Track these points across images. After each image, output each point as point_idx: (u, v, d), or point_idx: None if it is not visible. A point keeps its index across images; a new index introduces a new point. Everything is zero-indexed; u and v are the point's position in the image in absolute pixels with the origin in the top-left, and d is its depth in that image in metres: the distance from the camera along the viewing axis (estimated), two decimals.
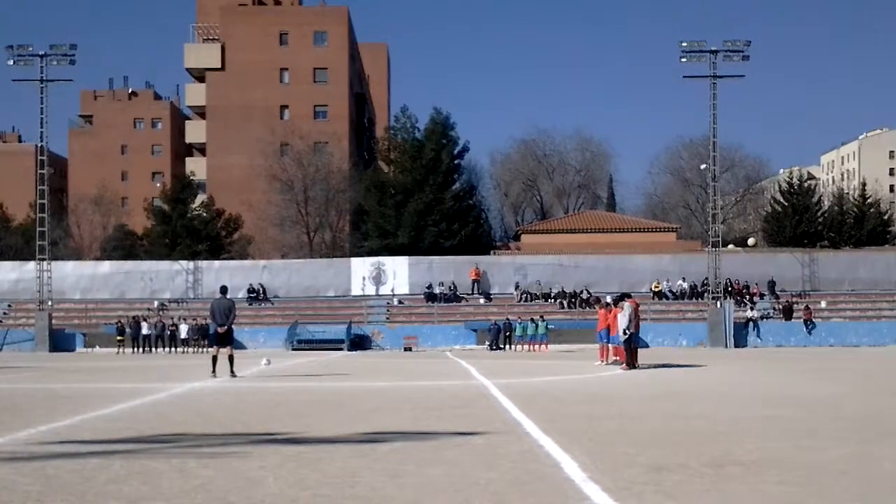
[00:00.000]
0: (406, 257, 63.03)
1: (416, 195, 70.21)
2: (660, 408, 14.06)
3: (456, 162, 75.12)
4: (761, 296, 59.46)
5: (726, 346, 53.19)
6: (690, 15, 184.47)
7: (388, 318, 59.37)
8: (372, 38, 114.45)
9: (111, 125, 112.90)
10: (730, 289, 58.33)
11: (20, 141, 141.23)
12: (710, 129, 57.77)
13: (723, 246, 60.80)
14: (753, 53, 55.95)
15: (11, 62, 55.81)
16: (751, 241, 78.78)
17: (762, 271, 60.81)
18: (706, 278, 57.88)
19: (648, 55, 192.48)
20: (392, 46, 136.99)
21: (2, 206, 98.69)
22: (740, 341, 54.68)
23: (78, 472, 7.71)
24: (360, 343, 55.62)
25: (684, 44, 55.54)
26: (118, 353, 51.91)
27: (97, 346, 55.48)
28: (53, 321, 56.59)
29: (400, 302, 60.92)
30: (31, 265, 59.78)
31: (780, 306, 58.05)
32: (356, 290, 61.53)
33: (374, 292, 61.46)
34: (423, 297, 60.76)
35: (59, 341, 55.71)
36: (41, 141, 58.40)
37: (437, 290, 60.50)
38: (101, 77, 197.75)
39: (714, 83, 56.07)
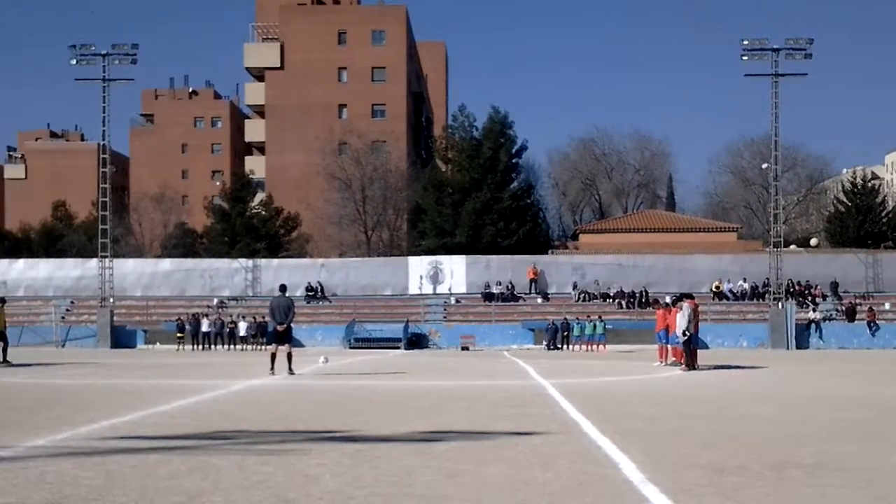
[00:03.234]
0: (463, 256, 63.03)
1: (473, 194, 70.22)
2: (719, 409, 13.93)
3: (514, 161, 75.04)
4: (824, 297, 58.71)
5: (788, 348, 52.57)
6: (752, 13, 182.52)
7: (445, 317, 59.38)
8: (430, 36, 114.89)
9: (172, 124, 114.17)
10: (792, 290, 57.65)
11: (83, 140, 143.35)
12: (771, 127, 57.16)
13: (785, 246, 60.03)
14: (816, 50, 55.33)
15: (74, 62, 56.53)
16: (813, 241, 77.82)
17: (825, 272, 60.06)
18: (767, 279, 57.27)
19: (709, 53, 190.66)
20: (450, 45, 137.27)
21: (65, 205, 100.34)
22: (802, 343, 54.01)
23: (139, 468, 7.78)
24: (417, 342, 55.68)
25: (746, 42, 54.95)
26: (178, 349, 52.42)
27: (158, 343, 56.05)
28: (115, 318, 57.24)
29: (457, 301, 60.91)
30: (94, 262, 60.57)
31: (843, 307, 57.26)
32: (413, 289, 61.63)
33: (431, 291, 61.51)
34: (480, 296, 60.70)
35: (121, 338, 56.38)
36: (103, 140, 59.14)
37: (494, 290, 60.41)
38: (162, 76, 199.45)
39: (776, 81, 55.41)
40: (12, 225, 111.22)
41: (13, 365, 28.65)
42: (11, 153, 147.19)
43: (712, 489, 6.93)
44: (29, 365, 29.08)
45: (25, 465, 7.90)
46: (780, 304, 55.00)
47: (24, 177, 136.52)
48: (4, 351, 30.14)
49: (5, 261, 67.65)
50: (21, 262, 66.32)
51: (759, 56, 55.16)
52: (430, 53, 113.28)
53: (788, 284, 57.30)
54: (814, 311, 56.38)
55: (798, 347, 53.08)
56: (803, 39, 54.86)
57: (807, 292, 58.47)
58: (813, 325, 55.21)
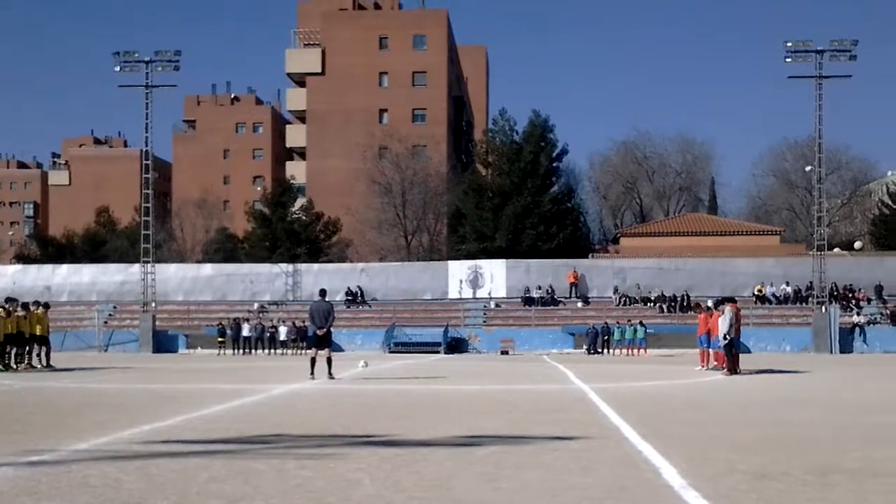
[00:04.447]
0: (503, 260, 62.93)
1: (513, 198, 70.19)
2: (762, 414, 13.82)
3: (554, 164, 74.93)
4: (868, 300, 58.07)
5: (831, 352, 52.08)
6: (796, 14, 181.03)
7: (485, 322, 59.30)
8: (471, 40, 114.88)
9: (214, 130, 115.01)
10: (835, 293, 57.10)
11: (126, 146, 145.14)
12: (815, 129, 56.64)
13: (828, 249, 59.48)
14: (861, 51, 54.69)
15: (118, 68, 57.09)
16: (857, 244, 77.08)
17: (869, 275, 59.43)
18: (811, 282, 56.76)
19: (752, 55, 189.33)
20: (491, 49, 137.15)
21: (108, 210, 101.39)
22: (846, 347, 53.46)
23: (180, 472, 7.83)
24: (456, 346, 55.68)
25: (789, 44, 54.53)
26: (219, 354, 52.73)
27: (199, 348, 56.42)
28: (157, 322, 57.69)
29: (497, 305, 60.83)
30: (136, 267, 61.11)
31: (888, 311, 56.61)
32: (453, 293, 61.62)
33: (471, 295, 61.49)
34: (520, 300, 60.60)
35: (163, 342, 56.80)
36: (146, 146, 59.66)
37: (534, 294, 60.30)
38: (204, 83, 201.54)
39: (820, 83, 54.93)
40: (56, 230, 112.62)
41: (56, 369, 28.97)
42: (56, 160, 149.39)
43: (754, 495, 6.87)
44: (72, 369, 29.37)
45: (69, 469, 7.98)
46: (823, 307, 54.52)
47: (67, 183, 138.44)
48: (48, 355, 30.51)
49: (49, 266, 68.53)
50: (65, 268, 67.04)
51: (802, 58, 54.72)
52: (471, 57, 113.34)
53: (832, 288, 56.77)
54: (858, 314, 55.82)
55: (842, 352, 52.57)
56: (848, 41, 54.36)
57: (851, 296, 57.89)
58: (857, 329, 54.64)
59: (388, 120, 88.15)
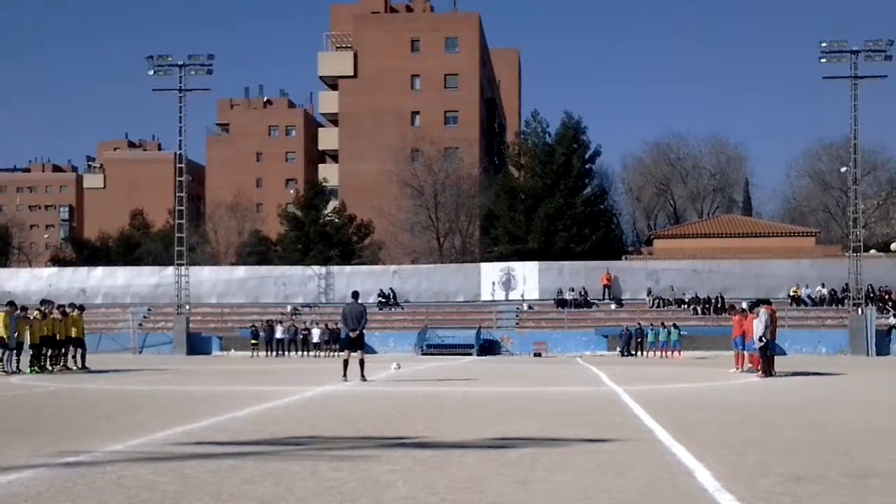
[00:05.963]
0: (536, 262, 62.80)
1: (546, 200, 70.05)
2: (797, 416, 13.70)
3: (587, 166, 74.75)
4: None
5: (868, 354, 51.61)
6: (830, 13, 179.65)
7: (517, 324, 59.19)
8: (503, 43, 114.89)
9: (247, 133, 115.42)
10: (871, 295, 56.59)
11: (160, 149, 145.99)
12: (850, 130, 56.18)
13: (864, 251, 58.93)
14: None
15: (152, 72, 57.43)
16: (894, 245, 76.28)
17: None
18: (847, 284, 56.30)
19: (786, 56, 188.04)
20: (523, 51, 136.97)
21: (142, 213, 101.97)
22: (882, 349, 52.97)
23: (213, 473, 7.84)
24: (489, 348, 55.59)
25: (824, 44, 54.19)
26: (252, 356, 52.81)
27: (232, 350, 56.64)
28: (191, 325, 57.99)
29: (530, 307, 60.70)
30: (170, 270, 61.43)
31: None
32: (486, 296, 61.55)
33: (503, 297, 61.40)
34: (553, 302, 60.46)
35: (197, 344, 57.10)
36: (180, 149, 60.00)
37: (567, 296, 60.13)
38: (237, 86, 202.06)
39: (855, 84, 54.51)
40: (91, 233, 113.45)
41: (91, 371, 29.17)
42: (90, 163, 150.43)
43: (789, 498, 6.80)
44: (107, 371, 29.58)
45: (104, 470, 8.01)
46: (859, 309, 54.06)
47: (102, 186, 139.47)
48: (83, 357, 30.72)
49: (84, 269, 69.01)
50: (99, 270, 67.52)
51: (837, 58, 54.35)
52: (503, 60, 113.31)
53: (868, 290, 56.27)
54: (894, 317, 55.30)
55: (878, 354, 52.11)
56: (883, 41, 53.93)
57: (887, 298, 57.37)
58: (893, 332, 54.13)
59: (420, 122, 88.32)
